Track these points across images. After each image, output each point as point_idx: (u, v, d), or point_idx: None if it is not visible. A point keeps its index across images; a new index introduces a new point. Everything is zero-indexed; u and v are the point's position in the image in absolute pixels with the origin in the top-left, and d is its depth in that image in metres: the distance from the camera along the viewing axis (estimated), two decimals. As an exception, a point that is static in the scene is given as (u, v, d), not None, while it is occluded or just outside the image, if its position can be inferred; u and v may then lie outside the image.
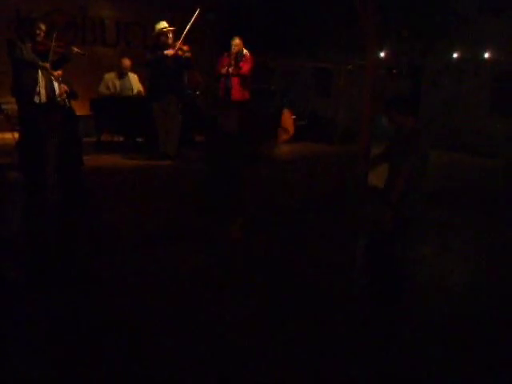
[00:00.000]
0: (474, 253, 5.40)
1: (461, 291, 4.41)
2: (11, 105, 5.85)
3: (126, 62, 7.10)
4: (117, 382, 2.95)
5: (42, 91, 5.52)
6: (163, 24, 6.31)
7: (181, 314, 3.75)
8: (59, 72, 6.49)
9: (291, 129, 8.38)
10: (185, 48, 6.21)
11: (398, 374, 3.11)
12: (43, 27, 5.33)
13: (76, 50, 5.65)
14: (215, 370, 3.06)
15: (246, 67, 6.48)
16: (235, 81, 6.55)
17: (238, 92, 6.60)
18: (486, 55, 11.43)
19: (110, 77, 7.15)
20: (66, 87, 6.56)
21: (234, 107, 6.71)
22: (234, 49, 6.45)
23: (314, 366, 3.18)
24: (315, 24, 11.31)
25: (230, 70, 6.49)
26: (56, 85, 6.51)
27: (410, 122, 3.54)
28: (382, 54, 12.37)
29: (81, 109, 6.88)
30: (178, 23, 8.78)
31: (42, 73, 5.45)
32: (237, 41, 6.49)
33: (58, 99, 6.40)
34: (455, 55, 11.89)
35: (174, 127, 6.27)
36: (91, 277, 4.33)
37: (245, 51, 6.54)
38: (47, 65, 5.36)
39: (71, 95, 6.67)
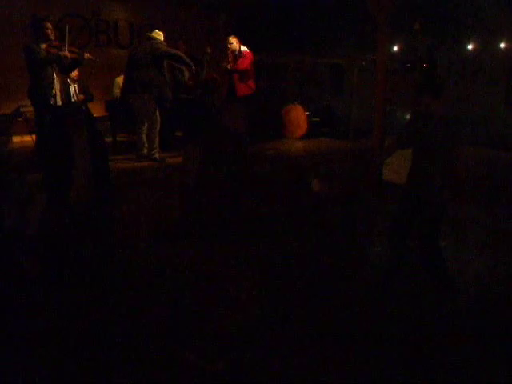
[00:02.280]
0: (495, 245, 5.32)
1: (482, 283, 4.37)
2: (30, 108, 5.97)
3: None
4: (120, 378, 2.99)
5: (58, 93, 5.64)
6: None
7: (189, 310, 3.78)
8: (75, 74, 6.63)
9: (304, 125, 8.41)
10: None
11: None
12: (50, 26, 5.45)
13: (88, 55, 5.73)
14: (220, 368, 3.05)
15: (242, 64, 6.74)
16: (235, 77, 6.83)
17: (239, 88, 6.86)
18: (502, 45, 11.27)
19: (122, 79, 7.27)
20: (82, 96, 6.71)
21: (237, 104, 6.88)
22: (229, 48, 6.75)
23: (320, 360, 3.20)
24: (328, 20, 11.29)
25: (228, 66, 6.81)
26: (72, 88, 6.67)
27: (440, 109, 3.44)
28: (396, 48, 12.29)
29: (96, 110, 7.02)
30: (190, 25, 8.93)
31: (58, 76, 5.58)
32: (230, 40, 6.78)
33: (76, 102, 6.56)
34: (469, 47, 11.74)
35: (149, 128, 6.22)
36: (103, 271, 4.42)
37: (242, 48, 6.79)
38: (67, 53, 5.44)
39: (87, 98, 6.82)
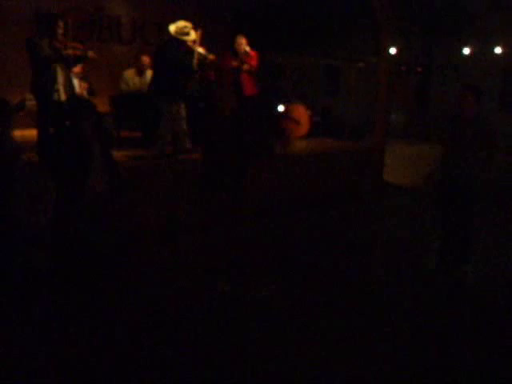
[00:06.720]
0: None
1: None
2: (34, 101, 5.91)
3: (145, 59, 7.19)
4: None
5: (61, 88, 5.59)
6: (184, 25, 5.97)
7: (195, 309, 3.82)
8: (79, 69, 6.59)
9: (306, 124, 8.43)
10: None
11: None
12: (61, 25, 5.44)
13: (91, 54, 5.68)
14: (228, 369, 3.03)
15: (253, 64, 6.73)
16: (245, 78, 6.81)
17: (248, 88, 6.88)
18: (497, 51, 11.47)
19: (129, 74, 7.25)
20: (86, 84, 6.67)
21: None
22: (239, 47, 6.72)
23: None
24: (326, 21, 11.37)
25: (245, 67, 6.73)
26: (76, 82, 6.63)
27: (476, 112, 3.93)
28: (393, 51, 12.42)
29: (100, 106, 6.96)
30: (192, 21, 8.90)
31: (61, 70, 5.53)
32: (240, 39, 6.74)
33: (80, 97, 6.52)
34: (465, 51, 11.93)
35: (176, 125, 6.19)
36: (114, 267, 4.43)
37: (248, 49, 6.76)
38: (70, 52, 5.43)
39: (89, 92, 6.78)
